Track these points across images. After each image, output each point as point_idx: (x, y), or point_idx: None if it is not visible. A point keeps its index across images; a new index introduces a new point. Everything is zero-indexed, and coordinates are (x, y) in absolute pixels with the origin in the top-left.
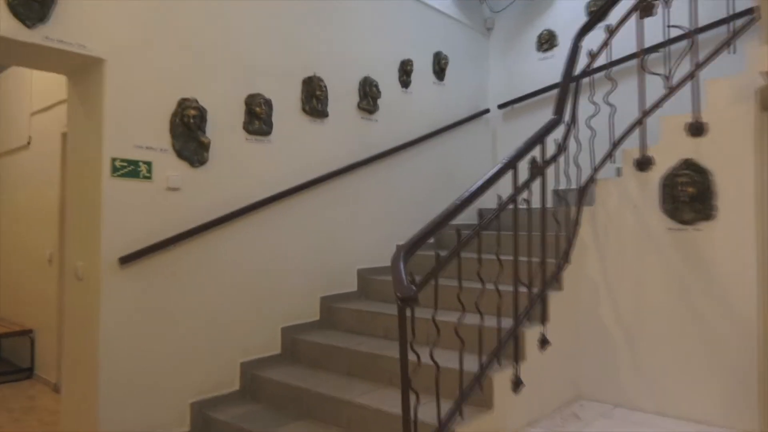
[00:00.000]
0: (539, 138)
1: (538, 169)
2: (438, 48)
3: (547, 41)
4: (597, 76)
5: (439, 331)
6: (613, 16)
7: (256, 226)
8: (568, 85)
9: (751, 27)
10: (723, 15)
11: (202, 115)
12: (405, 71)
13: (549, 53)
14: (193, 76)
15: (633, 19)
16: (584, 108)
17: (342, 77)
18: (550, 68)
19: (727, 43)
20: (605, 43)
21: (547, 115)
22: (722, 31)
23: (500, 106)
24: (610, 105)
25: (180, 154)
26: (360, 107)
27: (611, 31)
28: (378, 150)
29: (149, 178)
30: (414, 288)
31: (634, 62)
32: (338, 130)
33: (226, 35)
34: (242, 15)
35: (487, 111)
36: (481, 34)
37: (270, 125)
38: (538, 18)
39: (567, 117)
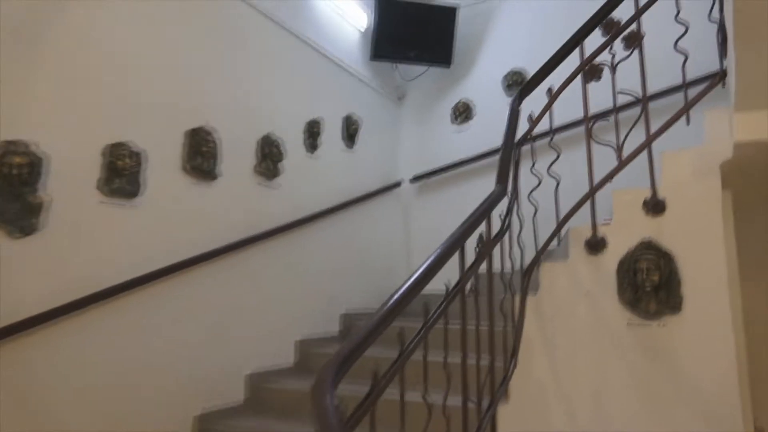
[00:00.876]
0: (485, 212)
1: (486, 249)
2: (349, 111)
3: (463, 113)
4: (540, 143)
5: None
6: (556, 79)
7: (106, 321)
8: (511, 151)
9: (708, 95)
10: (676, 82)
11: (35, 164)
12: (312, 133)
13: (465, 125)
14: (27, 111)
15: (578, 83)
16: (526, 180)
17: (238, 132)
18: (467, 140)
19: (684, 111)
20: (546, 108)
21: (463, 190)
22: (674, 100)
23: (413, 180)
24: (554, 177)
25: None
26: (258, 170)
27: (553, 95)
28: (279, 222)
29: None
30: None
31: (579, 130)
32: (230, 195)
33: (83, 62)
34: (110, 40)
35: (398, 184)
36: (393, 101)
37: (137, 185)
38: (453, 88)
39: (510, 188)
